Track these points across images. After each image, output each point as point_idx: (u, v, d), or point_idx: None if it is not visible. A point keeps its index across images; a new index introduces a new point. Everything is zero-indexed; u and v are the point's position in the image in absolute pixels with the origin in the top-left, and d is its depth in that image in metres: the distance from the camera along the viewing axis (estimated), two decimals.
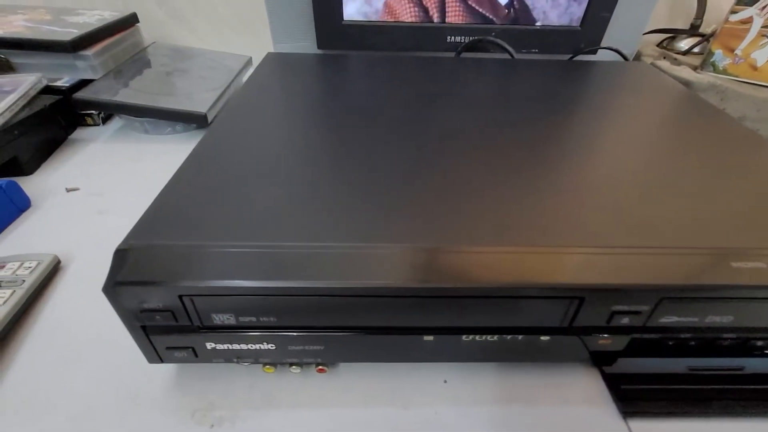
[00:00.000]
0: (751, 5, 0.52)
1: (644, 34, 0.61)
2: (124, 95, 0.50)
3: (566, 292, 0.21)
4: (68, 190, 0.43)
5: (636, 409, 0.25)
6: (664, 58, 0.63)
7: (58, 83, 0.52)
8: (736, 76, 0.54)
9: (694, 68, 0.57)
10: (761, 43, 0.52)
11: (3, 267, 0.32)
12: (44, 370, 0.27)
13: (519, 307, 0.22)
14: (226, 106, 0.52)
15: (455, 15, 0.54)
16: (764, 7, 0.51)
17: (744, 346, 0.25)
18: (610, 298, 0.21)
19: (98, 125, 0.55)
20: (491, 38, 0.55)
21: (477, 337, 0.24)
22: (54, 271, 0.33)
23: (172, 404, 0.25)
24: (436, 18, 0.54)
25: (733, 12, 0.53)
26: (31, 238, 0.37)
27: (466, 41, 0.56)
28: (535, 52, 0.57)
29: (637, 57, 0.65)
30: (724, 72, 0.55)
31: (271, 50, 0.56)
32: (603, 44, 0.57)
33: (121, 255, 0.21)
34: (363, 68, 0.48)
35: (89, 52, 0.52)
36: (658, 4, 0.57)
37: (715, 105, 0.45)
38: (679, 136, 0.34)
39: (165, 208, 0.24)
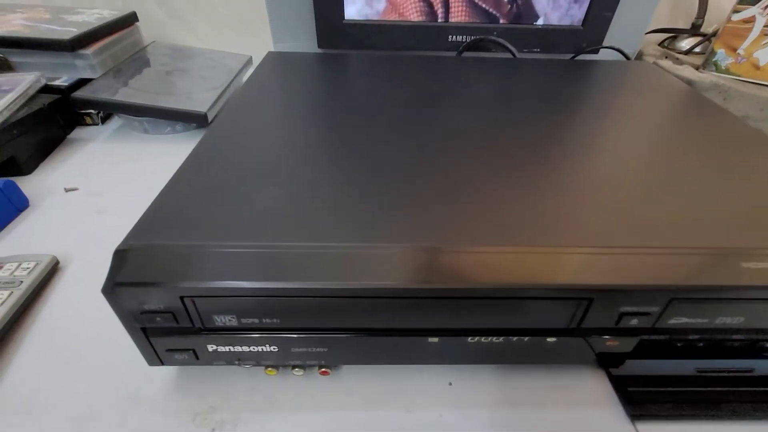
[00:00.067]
0: (753, 5, 0.52)
1: (646, 33, 0.61)
2: (124, 94, 0.50)
3: (575, 293, 0.21)
4: (67, 190, 0.43)
5: (644, 411, 0.24)
6: (666, 57, 0.62)
7: (57, 82, 0.52)
8: (739, 76, 0.54)
9: (696, 68, 0.57)
10: (764, 42, 0.52)
11: (1, 268, 0.31)
12: (43, 371, 0.26)
13: (526, 309, 0.22)
14: (226, 106, 0.52)
15: (459, 11, 0.54)
16: (767, 7, 0.51)
17: (753, 348, 0.25)
18: (619, 299, 0.21)
19: (97, 125, 0.55)
20: (493, 37, 0.55)
21: (482, 339, 0.23)
22: (52, 271, 0.33)
23: (172, 407, 0.25)
24: (440, 13, 0.54)
25: (735, 11, 0.53)
26: (29, 238, 0.37)
27: (468, 40, 0.55)
28: (537, 52, 0.57)
29: (639, 56, 0.65)
30: (727, 71, 0.55)
31: (272, 50, 0.55)
32: (605, 44, 0.57)
33: (120, 255, 0.21)
34: (364, 67, 0.47)
35: (88, 50, 0.52)
36: (659, 4, 0.57)
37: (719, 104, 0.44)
38: (685, 136, 0.33)
39: (165, 208, 0.24)
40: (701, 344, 0.25)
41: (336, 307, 0.21)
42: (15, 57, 0.50)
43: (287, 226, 0.22)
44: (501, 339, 0.23)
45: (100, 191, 0.43)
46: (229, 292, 0.20)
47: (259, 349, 0.23)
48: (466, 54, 0.56)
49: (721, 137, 0.33)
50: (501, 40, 0.54)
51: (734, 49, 0.54)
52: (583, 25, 0.55)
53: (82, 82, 0.52)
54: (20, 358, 0.27)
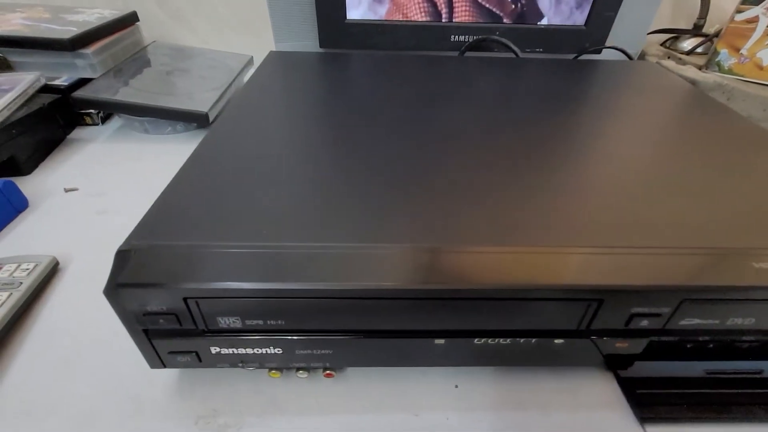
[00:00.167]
0: (756, 5, 0.52)
1: (648, 34, 0.61)
2: (124, 94, 0.50)
3: (584, 293, 0.20)
4: (67, 191, 0.42)
5: (653, 414, 0.24)
6: (669, 57, 0.62)
7: (57, 82, 0.51)
8: (742, 76, 0.54)
9: (699, 68, 0.57)
10: (767, 42, 0.52)
11: (0, 269, 0.31)
12: (43, 373, 0.26)
13: (535, 310, 0.21)
14: (228, 105, 0.51)
15: (463, 11, 0.54)
16: None
17: (763, 349, 0.24)
18: (630, 300, 0.20)
19: (97, 125, 0.55)
20: (496, 37, 0.54)
21: (489, 341, 0.23)
22: (52, 272, 0.33)
23: (174, 410, 0.24)
24: (444, 14, 0.54)
25: (738, 11, 0.53)
26: (28, 239, 0.36)
27: (470, 40, 0.55)
28: (540, 52, 0.57)
29: (642, 57, 0.65)
30: (730, 71, 0.55)
31: (273, 49, 0.55)
32: (607, 44, 0.56)
33: (122, 256, 0.20)
34: (366, 67, 0.47)
35: (88, 50, 0.51)
36: (661, 4, 0.57)
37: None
38: (693, 135, 0.33)
39: (168, 209, 0.23)
40: (711, 345, 0.24)
41: (340, 308, 0.21)
42: (15, 56, 0.50)
43: (290, 226, 0.22)
44: (508, 341, 0.23)
45: (100, 192, 0.42)
46: (233, 293, 0.20)
47: (263, 351, 0.23)
48: (468, 54, 0.56)
49: (730, 136, 0.33)
50: (504, 40, 0.54)
51: (737, 49, 0.54)
52: (585, 25, 0.55)
53: (82, 82, 0.51)
54: (20, 360, 0.27)
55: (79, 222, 0.38)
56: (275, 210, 0.23)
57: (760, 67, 0.53)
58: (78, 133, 0.53)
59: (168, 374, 0.26)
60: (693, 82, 0.52)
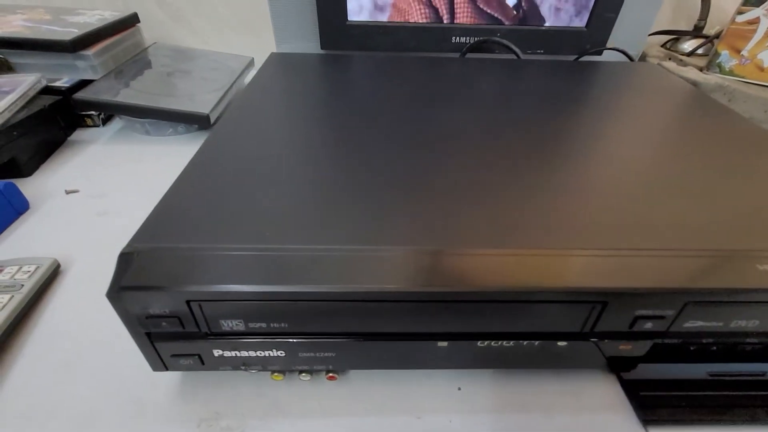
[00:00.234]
0: (757, 6, 0.52)
1: (648, 35, 0.61)
2: (125, 96, 0.49)
3: (589, 296, 0.20)
4: (68, 192, 0.42)
5: (657, 416, 0.24)
6: (670, 59, 0.62)
7: (58, 83, 0.51)
8: (743, 77, 0.54)
9: (700, 69, 0.57)
10: None
11: (1, 271, 0.31)
12: (44, 375, 0.26)
13: (539, 312, 0.21)
14: (229, 107, 0.51)
15: (464, 16, 0.54)
16: None
17: (766, 351, 0.24)
18: (634, 302, 0.20)
19: (98, 126, 0.55)
20: (497, 39, 0.54)
21: (493, 343, 0.23)
22: (53, 275, 0.32)
23: (177, 413, 0.24)
24: (445, 19, 0.54)
25: (739, 13, 0.53)
26: (29, 241, 0.36)
27: (471, 42, 0.55)
28: (541, 53, 0.57)
29: (642, 58, 0.65)
30: (731, 73, 0.55)
31: (274, 51, 0.55)
32: (608, 45, 0.56)
33: (125, 258, 0.20)
34: (367, 69, 0.47)
35: (89, 52, 0.51)
36: (662, 6, 0.57)
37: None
38: (694, 136, 0.33)
39: (170, 211, 0.23)
40: (714, 348, 0.24)
41: (343, 311, 0.21)
42: (15, 58, 0.50)
43: (293, 228, 0.22)
44: (511, 343, 0.23)
45: (101, 193, 0.42)
46: (236, 296, 0.20)
47: (266, 353, 0.23)
48: (469, 55, 0.56)
49: (732, 138, 0.33)
50: (505, 42, 0.54)
51: (738, 51, 0.54)
52: (586, 26, 0.55)
53: (83, 84, 0.51)
54: (21, 363, 0.27)
55: (80, 224, 0.38)
56: (277, 212, 0.23)
57: (761, 69, 0.53)
58: (79, 134, 0.53)
59: (170, 377, 0.26)
60: (694, 84, 0.52)
